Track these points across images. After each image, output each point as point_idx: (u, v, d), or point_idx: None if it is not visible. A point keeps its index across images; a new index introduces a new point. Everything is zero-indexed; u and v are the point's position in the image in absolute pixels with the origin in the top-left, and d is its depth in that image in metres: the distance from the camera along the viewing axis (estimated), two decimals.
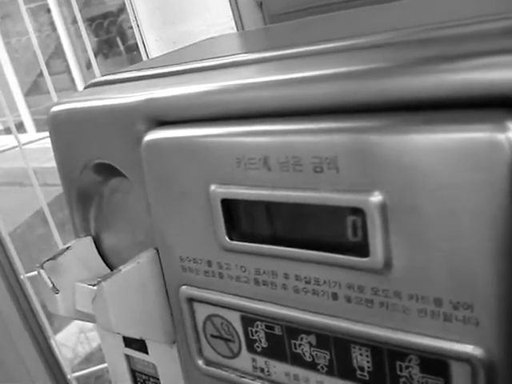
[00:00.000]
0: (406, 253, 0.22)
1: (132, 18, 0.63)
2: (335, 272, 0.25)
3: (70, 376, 0.80)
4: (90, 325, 1.43)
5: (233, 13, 0.55)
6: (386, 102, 0.23)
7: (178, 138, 0.29)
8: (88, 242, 0.39)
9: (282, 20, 0.49)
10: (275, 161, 0.25)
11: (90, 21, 3.22)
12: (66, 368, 0.83)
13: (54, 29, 3.26)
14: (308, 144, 0.24)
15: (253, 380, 0.30)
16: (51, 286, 0.36)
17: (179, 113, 0.30)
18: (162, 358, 0.37)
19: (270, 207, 0.27)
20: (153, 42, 0.63)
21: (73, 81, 3.29)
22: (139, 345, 0.38)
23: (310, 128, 0.24)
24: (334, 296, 0.25)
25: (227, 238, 0.28)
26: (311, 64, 0.27)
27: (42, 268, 0.36)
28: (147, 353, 0.38)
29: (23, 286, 0.74)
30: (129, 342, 0.39)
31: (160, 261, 0.34)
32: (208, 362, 0.32)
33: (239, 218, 0.28)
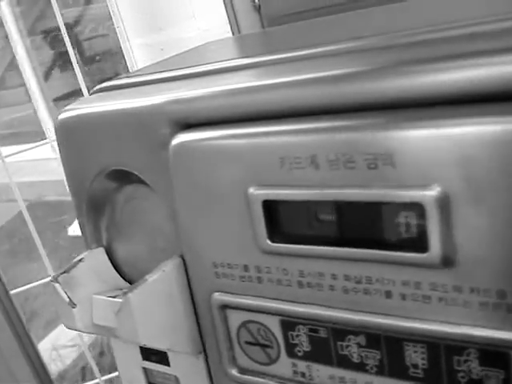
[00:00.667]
0: (468, 246, 0.22)
1: (119, 24, 0.61)
2: (389, 270, 0.24)
3: None
4: (62, 341, 1.39)
5: (228, 17, 0.54)
6: (442, 95, 0.22)
7: (211, 139, 0.28)
8: (100, 254, 0.37)
9: (281, 23, 0.48)
10: (324, 159, 0.24)
11: (46, 33, 3.15)
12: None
13: (9, 42, 3.17)
14: (361, 141, 0.23)
15: None
16: (68, 300, 0.34)
17: (207, 114, 0.29)
18: (186, 370, 0.36)
19: (313, 207, 0.26)
20: (137, 49, 0.62)
21: (29, 94, 3.20)
22: (159, 357, 0.37)
23: (363, 124, 0.24)
24: (388, 294, 0.25)
25: (268, 241, 0.27)
26: (358, 60, 0.26)
27: (57, 281, 0.35)
28: (169, 365, 0.36)
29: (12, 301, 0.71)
30: (147, 355, 0.37)
31: (186, 269, 0.33)
32: (242, 370, 0.31)
33: (280, 220, 0.27)
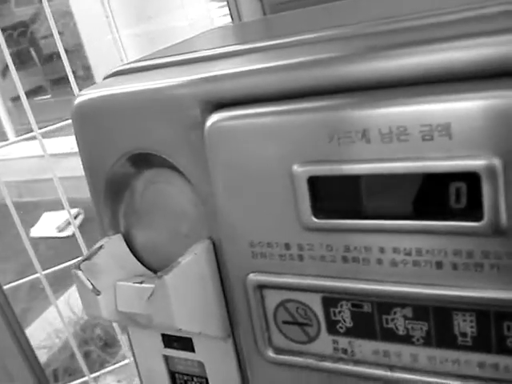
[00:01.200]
0: None
1: (108, 13, 0.60)
2: (440, 240, 0.25)
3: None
4: (34, 342, 1.35)
5: (229, 4, 0.54)
6: (494, 70, 0.23)
7: (250, 117, 0.28)
8: (119, 240, 0.37)
9: (282, 10, 0.48)
10: (376, 132, 0.25)
11: (1, 31, 3.05)
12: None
13: None
14: (416, 112, 0.24)
15: (333, 362, 0.30)
16: (91, 287, 0.34)
17: (241, 92, 0.29)
18: (212, 355, 0.35)
19: (360, 181, 0.26)
20: (128, 38, 0.61)
21: None
22: (182, 344, 0.36)
23: (418, 95, 0.24)
24: (439, 265, 0.25)
25: (313, 218, 0.27)
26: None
27: (80, 269, 0.34)
28: (193, 351, 0.36)
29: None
30: (169, 342, 0.37)
31: (215, 251, 0.32)
32: (279, 351, 0.31)
33: (325, 196, 0.27)
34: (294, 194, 0.27)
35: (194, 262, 0.32)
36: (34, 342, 1.32)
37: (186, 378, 0.37)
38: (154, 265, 0.37)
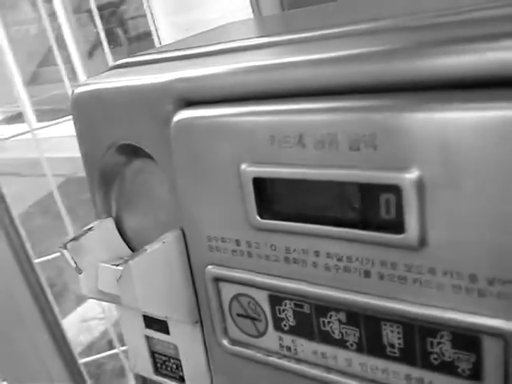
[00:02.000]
0: (442, 229, 0.23)
1: (145, 3, 0.63)
2: (368, 249, 0.25)
3: (79, 361, 0.81)
4: (91, 314, 1.44)
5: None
6: (425, 80, 0.23)
7: (209, 117, 0.29)
8: (109, 224, 0.39)
9: (300, 5, 0.49)
10: (311, 138, 0.25)
11: (91, 11, 3.20)
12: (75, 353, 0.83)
13: (55, 19, 3.25)
14: (345, 122, 0.24)
15: (279, 358, 0.30)
16: (75, 266, 0.36)
17: (208, 93, 0.30)
18: (184, 339, 0.37)
19: (301, 185, 0.27)
20: (165, 28, 0.63)
21: (73, 71, 3.28)
22: (160, 326, 0.38)
23: (347, 106, 0.24)
24: (367, 273, 0.25)
25: (258, 217, 0.28)
26: (348, 44, 0.27)
27: (66, 248, 0.36)
28: (168, 333, 0.38)
29: (36, 271, 0.74)
30: (149, 323, 0.39)
31: (185, 241, 0.34)
32: (233, 342, 0.32)
33: (270, 197, 0.28)
34: (242, 193, 0.28)
35: (161, 249, 0.33)
36: (92, 314, 1.40)
37: (164, 358, 0.39)
38: (140, 249, 0.39)
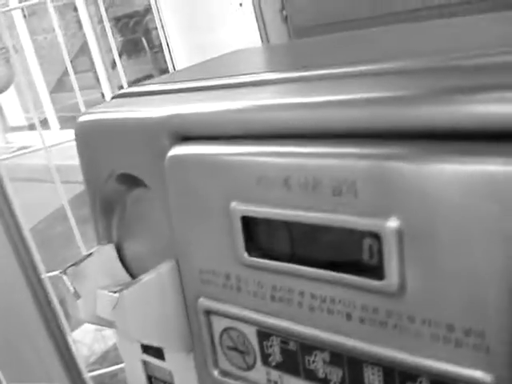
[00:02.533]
0: (421, 278, 0.23)
1: (158, 23, 0.64)
2: (350, 293, 0.25)
3: (86, 376, 0.82)
4: None
5: (258, 26, 0.55)
6: (407, 130, 0.23)
7: (201, 154, 0.30)
8: (110, 250, 0.40)
9: (307, 34, 0.49)
10: (295, 181, 0.26)
11: (116, 20, 3.27)
12: (82, 367, 0.84)
13: (81, 27, 3.31)
14: (328, 167, 0.24)
15: None
16: (73, 291, 0.37)
17: (202, 129, 0.31)
18: (179, 366, 0.38)
19: (288, 226, 0.27)
20: (178, 46, 0.64)
21: (97, 79, 3.33)
22: (156, 352, 0.39)
23: (330, 151, 0.25)
24: (349, 316, 0.26)
25: (246, 254, 0.29)
26: (335, 87, 0.27)
27: (65, 274, 0.37)
28: (164, 359, 0.38)
29: (43, 285, 0.75)
30: (146, 349, 0.40)
31: (180, 271, 0.34)
32: (223, 373, 0.33)
33: (258, 235, 0.28)
34: (232, 230, 0.29)
35: (155, 279, 0.34)
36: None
37: (160, 383, 0.40)
38: (139, 276, 0.39)
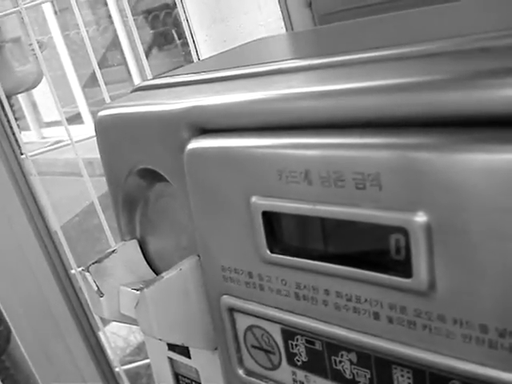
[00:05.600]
0: (451, 276, 0.22)
1: (182, 15, 0.63)
2: (377, 291, 0.24)
3: (119, 369, 0.82)
4: None
5: (282, 12, 0.54)
6: (435, 118, 0.22)
7: (220, 147, 0.29)
8: (133, 246, 0.39)
9: (332, 19, 0.47)
10: (316, 175, 0.24)
11: (147, 13, 3.27)
12: (115, 360, 0.85)
13: (112, 21, 3.32)
14: (350, 159, 0.23)
15: None
16: (96, 289, 0.36)
17: (222, 121, 0.30)
18: (204, 364, 0.37)
19: (311, 221, 0.26)
20: (202, 39, 0.63)
21: (129, 72, 3.35)
22: (182, 349, 0.38)
23: (353, 142, 0.23)
24: (376, 315, 0.24)
25: (268, 251, 0.27)
26: (359, 74, 0.26)
27: (88, 271, 0.37)
28: (190, 357, 0.38)
29: (73, 280, 0.76)
30: (172, 346, 0.39)
31: (202, 268, 0.34)
32: (248, 372, 0.32)
33: (280, 231, 0.27)
34: (253, 226, 0.28)
35: (177, 277, 0.33)
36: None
37: (187, 381, 0.39)
38: (163, 271, 0.39)
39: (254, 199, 0.27)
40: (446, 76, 0.22)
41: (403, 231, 0.22)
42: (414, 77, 0.23)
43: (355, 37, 0.38)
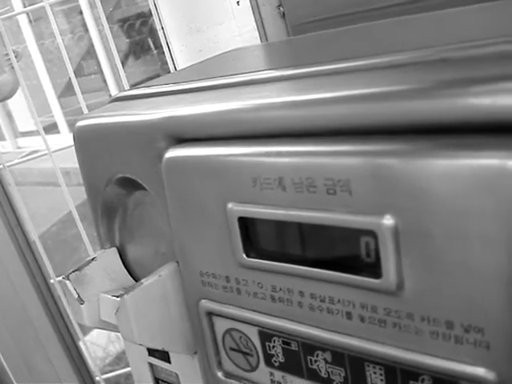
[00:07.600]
0: (418, 275, 0.23)
1: (158, 25, 0.63)
2: (349, 291, 0.25)
3: (99, 378, 0.82)
4: None
5: (256, 23, 0.55)
6: (401, 126, 0.23)
7: (197, 156, 0.30)
8: (113, 253, 0.40)
9: (305, 30, 0.49)
10: (290, 181, 0.25)
11: (122, 21, 3.27)
12: (95, 369, 0.85)
13: (87, 30, 3.31)
14: (321, 166, 0.24)
15: None
16: (76, 296, 0.37)
17: (198, 131, 0.31)
18: (184, 368, 0.38)
19: (285, 226, 0.27)
20: (178, 49, 0.64)
21: (105, 81, 3.34)
22: (162, 354, 0.39)
23: (323, 150, 0.24)
24: (348, 315, 0.25)
25: (244, 255, 0.28)
26: (329, 84, 0.27)
27: (68, 279, 0.37)
28: (170, 362, 0.38)
29: (52, 290, 0.76)
30: (152, 351, 0.40)
31: (181, 274, 0.34)
32: (227, 375, 0.33)
33: (256, 236, 0.28)
34: (229, 232, 0.29)
35: (157, 283, 0.34)
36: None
37: None
38: (142, 278, 0.39)
39: (230, 205, 0.28)
40: (410, 86, 0.23)
41: (372, 234, 0.23)
42: (381, 87, 0.24)
43: (325, 48, 0.39)
